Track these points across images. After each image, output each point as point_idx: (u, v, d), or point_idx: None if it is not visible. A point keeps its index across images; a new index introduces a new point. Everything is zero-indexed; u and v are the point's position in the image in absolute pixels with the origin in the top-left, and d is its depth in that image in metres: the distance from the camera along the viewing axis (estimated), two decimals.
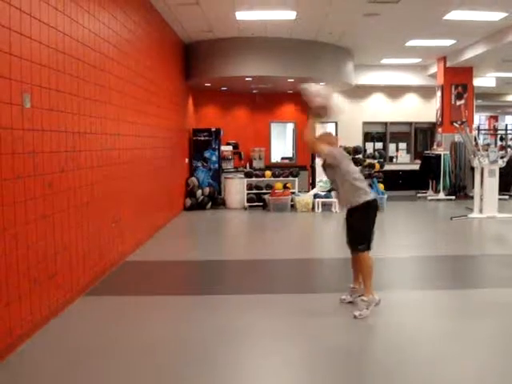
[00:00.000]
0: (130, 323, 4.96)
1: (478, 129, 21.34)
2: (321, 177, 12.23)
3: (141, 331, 4.73)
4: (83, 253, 5.76)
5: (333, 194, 11.32)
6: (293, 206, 12.50)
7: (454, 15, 9.95)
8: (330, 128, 17.51)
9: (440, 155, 14.52)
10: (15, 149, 4.23)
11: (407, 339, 4.54)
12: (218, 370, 3.94)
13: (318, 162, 5.31)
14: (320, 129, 5.04)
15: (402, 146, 17.85)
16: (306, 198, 12.47)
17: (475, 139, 12.59)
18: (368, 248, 5.03)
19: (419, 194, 15.40)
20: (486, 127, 28.64)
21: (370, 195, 5.09)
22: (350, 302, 5.29)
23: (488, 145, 13.50)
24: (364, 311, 4.92)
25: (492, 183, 11.21)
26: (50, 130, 4.90)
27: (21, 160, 4.33)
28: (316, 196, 12.46)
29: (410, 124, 17.67)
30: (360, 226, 5.07)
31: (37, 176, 4.62)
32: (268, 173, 13.30)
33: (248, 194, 13.07)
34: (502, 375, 3.82)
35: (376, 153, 14.60)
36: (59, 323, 4.87)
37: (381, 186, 12.83)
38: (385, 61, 15.43)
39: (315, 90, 5.09)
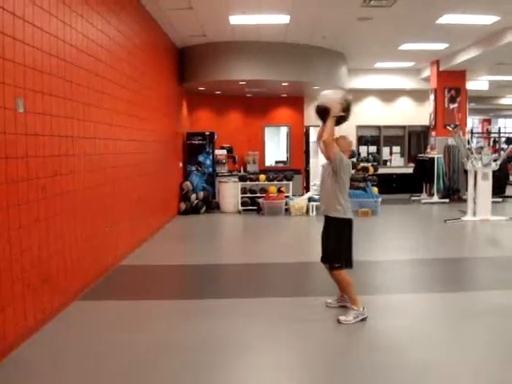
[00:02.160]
0: (125, 328, 4.94)
1: (472, 132, 21.42)
2: (315, 180, 12.25)
3: (135, 336, 4.71)
4: (77, 257, 5.75)
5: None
6: (287, 210, 12.51)
7: (447, 19, 10.00)
8: None
9: (433, 158, 14.56)
10: (8, 153, 4.23)
11: (401, 342, 4.55)
12: (211, 373, 3.93)
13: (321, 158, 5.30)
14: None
15: (396, 149, 17.87)
16: (300, 202, 12.48)
17: (468, 142, 12.63)
18: (346, 266, 5.07)
19: (413, 198, 15.44)
20: (480, 130, 28.75)
21: (349, 214, 5.11)
22: (340, 307, 5.29)
23: (481, 148, 13.53)
24: (350, 318, 4.92)
25: (485, 186, 11.25)
26: (43, 135, 4.89)
27: (14, 164, 4.32)
28: (310, 199, 12.47)
29: (403, 127, 17.70)
30: (338, 244, 5.09)
31: (30, 180, 4.61)
32: (262, 176, 13.31)
33: (242, 197, 13.08)
34: (496, 377, 3.83)
35: (370, 156, 14.65)
36: (53, 328, 4.85)
37: (375, 190, 12.86)
38: (378, 64, 15.48)
39: (337, 97, 5.09)
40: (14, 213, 4.32)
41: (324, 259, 5.25)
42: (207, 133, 13.72)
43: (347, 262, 5.09)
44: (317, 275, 6.52)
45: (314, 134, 18.19)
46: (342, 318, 4.94)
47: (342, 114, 5.05)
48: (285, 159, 17.25)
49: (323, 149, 5.10)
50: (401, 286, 6.52)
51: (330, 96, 5.24)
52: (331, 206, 5.09)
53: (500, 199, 13.96)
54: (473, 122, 27.75)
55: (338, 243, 5.09)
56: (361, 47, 13.06)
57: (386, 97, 17.37)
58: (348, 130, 16.97)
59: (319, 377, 3.91)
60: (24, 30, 4.53)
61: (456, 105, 15.04)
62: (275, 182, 13.15)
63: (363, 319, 4.96)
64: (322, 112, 5.05)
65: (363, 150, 17.30)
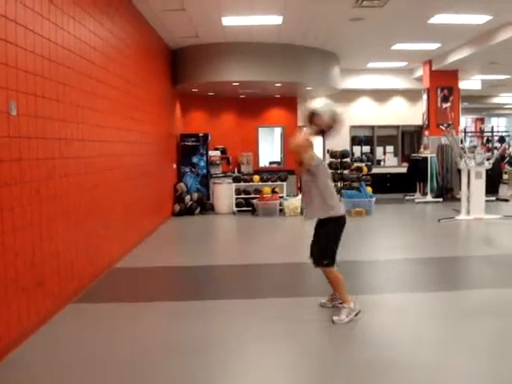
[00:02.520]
0: (119, 330, 4.94)
1: (465, 131, 21.49)
2: None
3: (130, 338, 4.71)
4: (71, 260, 5.74)
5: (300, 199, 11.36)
6: (281, 211, 12.52)
7: (439, 19, 10.03)
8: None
9: (427, 158, 14.60)
10: (1, 156, 4.22)
11: (396, 342, 4.56)
12: (206, 374, 3.93)
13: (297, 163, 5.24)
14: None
15: (390, 149, 17.93)
16: (294, 203, 12.48)
17: (461, 141, 12.67)
18: (332, 263, 5.04)
19: (407, 197, 15.47)
20: (473, 129, 28.85)
21: (340, 210, 5.09)
22: (333, 307, 5.30)
23: (474, 147, 13.58)
24: (343, 317, 4.91)
25: (479, 185, 11.28)
26: (36, 137, 4.88)
27: (7, 167, 4.31)
28: None
29: (396, 127, 17.75)
30: (326, 242, 5.07)
31: (24, 183, 4.60)
32: (256, 177, 13.32)
33: (236, 198, 13.08)
34: (492, 376, 3.85)
35: (363, 156, 14.67)
36: (48, 331, 4.84)
37: (369, 189, 12.89)
38: (371, 65, 15.51)
39: (326, 110, 5.06)
40: (8, 216, 4.31)
41: (313, 257, 5.21)
42: (201, 134, 13.71)
43: (334, 261, 5.06)
44: (311, 275, 6.53)
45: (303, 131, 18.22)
46: (335, 318, 4.94)
47: (324, 127, 5.00)
48: (279, 160, 17.28)
49: (297, 154, 5.05)
50: (395, 285, 6.53)
51: (326, 108, 5.18)
52: (318, 209, 5.05)
53: (493, 198, 13.99)
54: (466, 121, 27.84)
55: (328, 241, 5.06)
56: (353, 47, 13.09)
57: (379, 97, 17.41)
58: (341, 130, 17.04)
59: (314, 377, 3.91)
60: (16, 32, 4.51)
61: (449, 104, 15.08)
62: (269, 183, 13.16)
63: (356, 314, 4.96)
64: (311, 117, 5.02)
65: (357, 149, 17.34)
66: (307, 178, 5.09)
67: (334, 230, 5.08)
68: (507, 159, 15.94)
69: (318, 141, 17.11)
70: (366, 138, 17.86)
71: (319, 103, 5.41)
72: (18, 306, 4.46)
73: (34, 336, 4.66)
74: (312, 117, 4.99)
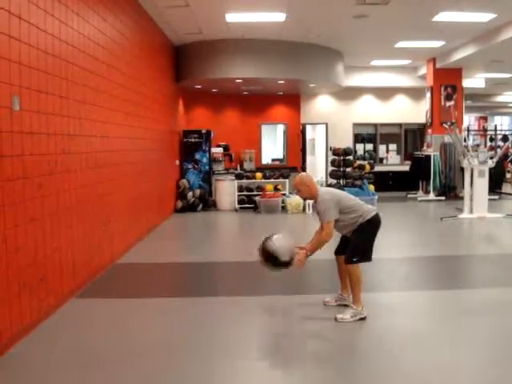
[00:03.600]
0: (121, 326, 4.94)
1: (468, 130, 21.45)
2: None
3: (131, 334, 4.72)
4: (73, 255, 5.74)
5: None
6: (284, 208, 12.52)
7: (443, 17, 10.01)
8: (320, 130, 17.62)
9: (430, 156, 14.58)
10: (4, 151, 4.22)
11: (398, 340, 4.56)
12: (207, 372, 3.94)
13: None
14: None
15: (392, 147, 17.88)
16: (296, 200, 12.47)
17: (464, 140, 12.64)
18: (362, 260, 5.00)
19: (409, 195, 15.46)
20: (476, 128, 28.78)
21: (370, 213, 5.03)
22: (338, 305, 5.28)
23: (477, 145, 13.56)
24: (347, 316, 4.89)
25: (482, 183, 11.26)
26: (39, 133, 4.88)
27: (10, 162, 4.31)
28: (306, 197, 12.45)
29: (399, 125, 17.71)
30: (360, 241, 5.01)
31: (26, 178, 4.60)
32: (259, 174, 13.32)
33: (239, 195, 13.08)
34: (495, 375, 3.84)
35: (366, 154, 14.65)
36: (49, 326, 4.85)
37: (371, 187, 12.88)
38: (375, 62, 15.48)
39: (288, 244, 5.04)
40: (10, 211, 4.31)
41: (341, 252, 5.19)
42: (204, 131, 13.72)
43: (367, 257, 5.03)
44: (315, 273, 6.54)
45: (310, 132, 18.26)
46: (339, 316, 4.92)
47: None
48: (281, 157, 17.26)
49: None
50: (397, 283, 6.53)
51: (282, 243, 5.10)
52: (352, 226, 5.02)
53: (496, 196, 13.97)
54: (469, 120, 27.77)
55: (362, 240, 5.02)
56: (357, 45, 13.06)
57: (383, 94, 17.37)
58: (344, 128, 17.05)
59: (316, 376, 3.91)
60: (20, 28, 4.51)
61: (452, 102, 15.05)
62: (272, 180, 13.15)
63: (361, 319, 4.93)
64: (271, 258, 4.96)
65: (360, 147, 17.33)
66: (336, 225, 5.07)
67: (367, 229, 5.01)
68: (510, 158, 15.87)
69: (320, 138, 17.10)
70: (369, 135, 17.83)
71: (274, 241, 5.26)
72: (19, 301, 4.46)
73: (36, 331, 4.67)
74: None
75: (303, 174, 5.45)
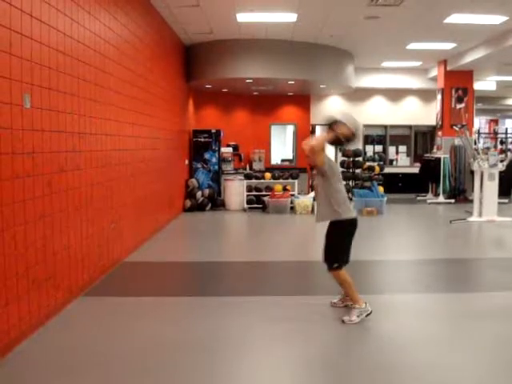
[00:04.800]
0: (128, 324, 4.95)
1: (478, 132, 21.35)
2: None
3: (138, 333, 4.72)
4: (82, 253, 5.76)
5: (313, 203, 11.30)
6: (292, 208, 12.51)
7: (455, 18, 9.96)
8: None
9: (440, 158, 14.52)
10: (15, 149, 4.24)
11: (404, 343, 4.54)
12: (212, 372, 3.94)
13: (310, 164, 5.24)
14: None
15: (402, 148, 17.84)
16: (305, 201, 12.46)
17: (475, 143, 12.58)
18: (338, 267, 5.00)
19: (419, 197, 15.40)
20: (487, 131, 28.64)
21: (351, 213, 5.07)
22: (345, 306, 5.28)
23: (488, 148, 13.48)
24: (354, 318, 4.90)
25: (492, 187, 11.21)
26: (49, 131, 4.90)
27: (20, 160, 4.33)
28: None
29: (409, 127, 17.66)
30: (336, 244, 5.05)
31: (36, 176, 4.62)
32: (268, 175, 13.31)
33: (248, 195, 13.08)
34: (500, 380, 3.82)
35: (376, 155, 14.63)
36: (57, 324, 4.86)
37: (380, 189, 12.85)
38: (385, 64, 15.44)
39: (348, 122, 5.03)
40: (19, 208, 4.33)
41: (324, 260, 5.22)
42: (213, 130, 13.73)
43: (344, 261, 5.04)
44: (321, 274, 6.50)
45: (320, 133, 18.19)
46: (345, 318, 4.92)
47: (342, 138, 4.97)
48: (291, 157, 17.24)
49: (310, 156, 5.03)
50: (405, 285, 6.51)
51: (350, 120, 5.13)
52: (328, 212, 5.04)
53: (506, 200, 13.89)
54: (480, 123, 27.63)
55: (336, 244, 5.05)
56: (368, 46, 13.03)
57: (393, 96, 17.32)
58: (356, 144, 16.97)
59: (320, 377, 3.90)
60: (31, 26, 4.53)
61: (463, 105, 14.99)
62: (281, 181, 13.15)
63: (368, 315, 4.94)
64: (332, 124, 5.01)
65: (369, 149, 17.29)
66: (318, 181, 5.09)
67: (343, 232, 5.06)
68: None
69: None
70: (379, 137, 17.79)
71: (341, 112, 5.31)
72: (28, 298, 4.48)
73: (44, 328, 4.69)
74: (333, 125, 4.97)
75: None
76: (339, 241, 5.07)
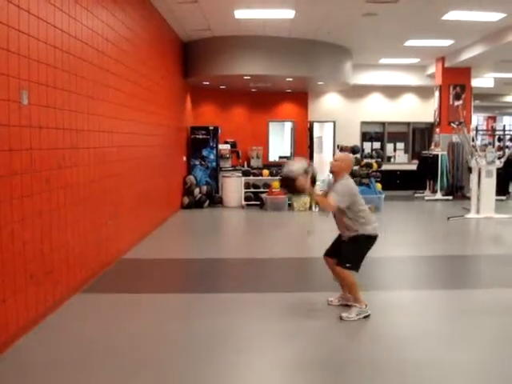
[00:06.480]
0: (126, 321, 4.96)
1: (476, 129, 21.36)
2: (318, 176, 12.22)
3: (136, 329, 4.73)
4: (80, 250, 5.77)
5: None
6: (290, 205, 12.52)
7: (453, 15, 9.97)
8: (327, 128, 17.60)
9: (437, 155, 14.53)
10: (12, 145, 4.24)
11: (402, 339, 4.55)
12: (210, 370, 3.95)
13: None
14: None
15: (400, 145, 17.83)
16: (303, 197, 12.46)
17: (472, 140, 12.59)
18: (353, 268, 4.99)
19: (416, 194, 15.42)
20: (484, 128, 28.67)
21: (372, 230, 5.06)
22: (340, 305, 5.28)
23: (486, 145, 13.49)
24: (353, 315, 4.92)
25: (489, 184, 11.22)
26: (47, 127, 4.90)
27: (18, 156, 4.33)
28: None
29: (407, 124, 17.67)
30: (356, 251, 5.03)
31: (34, 172, 4.62)
32: (266, 171, 13.33)
33: (245, 192, 13.09)
34: (499, 376, 3.84)
35: (374, 152, 14.63)
36: (55, 320, 4.87)
37: (378, 186, 12.85)
38: (383, 60, 15.44)
39: (300, 167, 5.03)
40: (18, 205, 4.33)
41: (334, 255, 5.20)
42: (211, 127, 13.73)
43: (357, 267, 5.03)
44: (319, 271, 6.52)
45: (317, 130, 18.23)
46: (344, 314, 4.94)
47: (307, 183, 4.96)
48: (289, 154, 17.22)
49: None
50: (403, 282, 6.53)
51: (294, 167, 5.07)
52: (353, 227, 5.02)
53: (504, 197, 13.91)
54: (477, 120, 27.66)
55: (357, 251, 5.03)
56: (366, 43, 13.03)
57: (391, 93, 17.31)
58: (352, 126, 17.02)
59: (319, 375, 3.91)
60: (29, 22, 4.53)
61: (461, 102, 15.00)
62: (279, 177, 13.12)
63: (366, 317, 4.96)
64: (287, 182, 5.06)
65: (367, 146, 17.28)
66: (337, 212, 5.08)
67: (364, 244, 5.04)
68: None
69: (328, 136, 17.02)
70: (377, 134, 17.78)
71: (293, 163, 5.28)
72: (26, 294, 4.49)
73: (41, 324, 4.70)
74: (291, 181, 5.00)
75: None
76: (362, 251, 5.04)
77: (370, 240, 5.06)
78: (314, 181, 5.10)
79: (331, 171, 5.21)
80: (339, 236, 5.26)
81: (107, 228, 6.76)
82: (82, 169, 5.82)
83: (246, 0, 9.31)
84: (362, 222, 5.02)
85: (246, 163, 15.49)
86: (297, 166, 5.05)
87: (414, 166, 16.22)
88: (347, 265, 4.98)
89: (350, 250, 5.05)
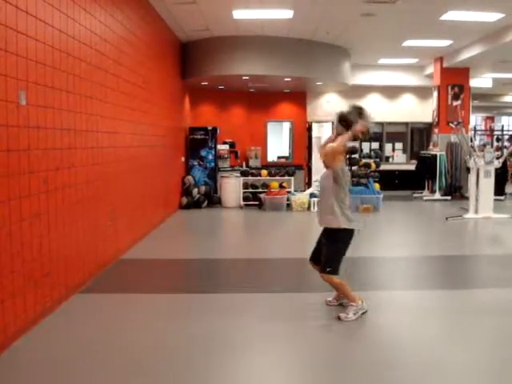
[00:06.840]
0: (124, 321, 4.96)
1: (475, 129, 21.37)
2: (317, 176, 12.22)
3: (134, 330, 4.73)
4: (78, 250, 5.76)
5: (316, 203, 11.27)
6: (288, 206, 12.51)
7: (451, 16, 9.97)
8: (326, 127, 17.57)
9: (436, 155, 14.53)
10: (10, 146, 4.23)
11: (401, 340, 4.55)
12: (207, 372, 3.94)
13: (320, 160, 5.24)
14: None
15: (399, 145, 17.85)
16: (301, 198, 12.47)
17: (471, 140, 12.60)
18: (335, 272, 4.97)
19: (415, 194, 15.42)
20: (483, 128, 28.69)
21: (351, 223, 5.00)
22: (340, 304, 5.28)
23: (484, 145, 13.50)
24: (350, 315, 4.91)
25: (488, 184, 11.23)
26: (45, 128, 4.89)
27: (16, 157, 4.33)
28: (312, 195, 12.44)
29: (406, 124, 17.68)
30: (333, 251, 5.00)
31: (32, 173, 4.62)
32: (264, 172, 13.32)
33: (244, 192, 13.08)
34: (498, 376, 3.84)
35: (372, 152, 14.61)
36: (54, 321, 4.87)
37: (377, 186, 12.85)
38: (382, 61, 15.45)
39: (362, 113, 5.03)
40: (15, 206, 4.32)
41: (315, 260, 5.22)
42: (210, 127, 13.72)
43: (337, 269, 5.00)
44: (317, 271, 6.53)
45: (316, 130, 18.19)
46: (342, 315, 4.93)
47: (360, 137, 5.09)
48: (287, 155, 17.24)
49: (328, 155, 5.00)
50: (401, 282, 6.52)
51: (361, 112, 5.11)
52: (330, 217, 4.98)
53: (502, 197, 13.92)
54: (476, 120, 27.68)
55: (336, 251, 5.01)
56: (364, 43, 13.03)
57: (389, 93, 17.33)
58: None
59: (318, 376, 3.91)
60: (27, 23, 4.52)
61: (459, 102, 15.00)
62: (277, 178, 13.14)
63: (364, 313, 4.96)
64: (347, 120, 5.01)
65: (366, 146, 17.27)
66: (327, 183, 5.05)
67: (343, 241, 5.02)
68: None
69: (326, 136, 16.98)
70: (375, 134, 17.76)
71: (350, 104, 5.31)
72: (24, 295, 4.48)
73: (40, 325, 4.69)
74: (349, 122, 4.98)
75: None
76: (339, 249, 5.01)
77: (349, 235, 5.01)
78: (352, 151, 5.18)
79: (325, 166, 5.17)
80: (320, 240, 5.24)
81: (106, 228, 6.75)
82: (80, 169, 5.81)
83: (245, 0, 9.31)
84: (344, 211, 4.95)
85: (244, 163, 15.50)
86: (370, 119, 5.12)
87: (412, 166, 16.23)
88: (328, 269, 4.97)
89: (329, 252, 5.02)
